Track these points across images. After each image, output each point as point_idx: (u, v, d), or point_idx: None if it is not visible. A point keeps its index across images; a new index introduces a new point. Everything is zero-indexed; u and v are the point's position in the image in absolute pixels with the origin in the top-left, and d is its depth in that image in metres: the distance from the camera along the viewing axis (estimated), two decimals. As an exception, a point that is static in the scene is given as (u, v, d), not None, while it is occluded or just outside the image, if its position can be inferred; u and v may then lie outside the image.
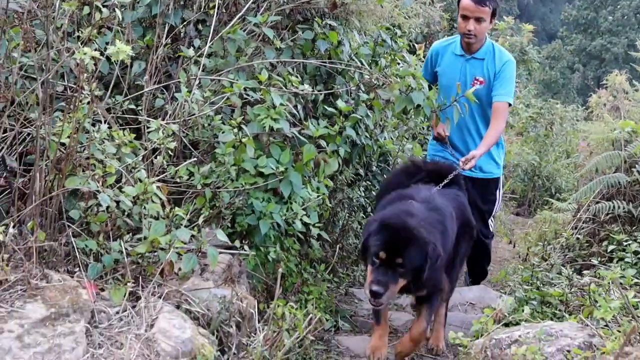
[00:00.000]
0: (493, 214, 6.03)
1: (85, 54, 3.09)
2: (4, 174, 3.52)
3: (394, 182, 5.00)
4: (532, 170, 12.23)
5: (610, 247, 5.42)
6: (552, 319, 4.07)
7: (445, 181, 4.72)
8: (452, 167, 5.04)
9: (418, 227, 3.93)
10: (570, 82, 36.86)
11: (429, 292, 4.25)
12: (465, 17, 5.45)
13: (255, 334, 3.40)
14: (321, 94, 4.97)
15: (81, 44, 3.39)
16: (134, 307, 3.05)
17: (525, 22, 16.21)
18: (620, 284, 3.66)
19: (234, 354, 3.21)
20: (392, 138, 6.65)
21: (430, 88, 5.07)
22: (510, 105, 5.71)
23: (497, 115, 5.46)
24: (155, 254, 3.37)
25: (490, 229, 6.02)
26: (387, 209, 4.36)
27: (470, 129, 5.78)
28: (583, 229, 6.70)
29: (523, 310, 4.07)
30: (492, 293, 5.90)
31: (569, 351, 3.03)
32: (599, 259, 5.25)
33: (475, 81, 5.58)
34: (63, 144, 3.40)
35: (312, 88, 4.99)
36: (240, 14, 4.62)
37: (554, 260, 5.54)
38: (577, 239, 6.46)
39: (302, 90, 4.42)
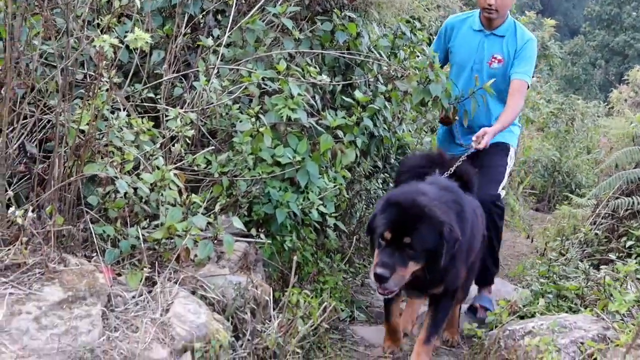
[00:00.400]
0: (502, 183, 5.27)
1: (104, 41, 3.12)
2: (24, 160, 3.57)
3: (414, 164, 4.80)
4: (552, 166, 12.19)
5: (629, 243, 5.41)
6: (567, 313, 4.06)
7: (458, 163, 4.52)
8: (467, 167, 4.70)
9: (430, 205, 3.57)
10: (593, 78, 36.56)
11: (446, 290, 3.89)
12: None
13: (270, 321, 3.43)
14: (339, 84, 4.98)
15: (101, 32, 3.42)
16: (150, 292, 3.09)
17: (548, 17, 16.04)
18: (638, 278, 3.65)
19: (249, 340, 3.24)
20: (410, 130, 6.66)
21: (441, 66, 5.00)
22: (528, 86, 5.28)
23: (514, 94, 5.06)
24: (172, 240, 3.41)
25: (501, 195, 5.28)
26: (396, 189, 4.19)
27: (482, 110, 5.22)
28: (602, 224, 6.69)
29: (538, 303, 4.08)
30: (508, 286, 5.90)
31: (582, 343, 3.04)
32: (618, 254, 5.23)
33: (493, 59, 5.20)
34: (82, 131, 3.43)
35: (331, 79, 5.01)
36: (259, 4, 4.64)
37: (572, 255, 5.51)
38: (596, 234, 6.46)
39: (320, 81, 4.43)
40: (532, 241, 8.70)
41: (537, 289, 4.53)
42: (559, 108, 13.00)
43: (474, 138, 4.78)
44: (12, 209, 2.98)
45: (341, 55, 5.03)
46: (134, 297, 3.04)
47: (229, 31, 4.40)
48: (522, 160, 11.71)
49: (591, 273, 4.55)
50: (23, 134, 3.53)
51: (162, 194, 3.51)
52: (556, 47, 12.54)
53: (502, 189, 5.25)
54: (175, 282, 3.20)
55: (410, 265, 3.49)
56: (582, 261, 5.36)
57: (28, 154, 3.56)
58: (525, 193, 11.80)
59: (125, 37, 3.45)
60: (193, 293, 3.24)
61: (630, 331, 3.01)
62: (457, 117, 5.20)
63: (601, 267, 4.97)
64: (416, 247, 3.47)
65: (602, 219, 6.72)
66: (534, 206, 12.15)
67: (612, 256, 5.04)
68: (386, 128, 5.55)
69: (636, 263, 3.95)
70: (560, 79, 24.34)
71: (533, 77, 10.69)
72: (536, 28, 12.33)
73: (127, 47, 3.72)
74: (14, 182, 3.52)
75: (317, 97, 4.62)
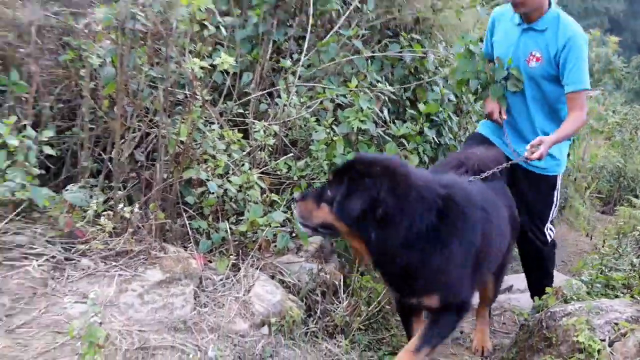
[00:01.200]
0: (550, 219, 4.44)
1: (194, 64, 3.34)
2: (135, 168, 3.82)
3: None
4: (617, 172, 11.86)
5: (683, 240, 5.28)
6: (611, 299, 4.04)
7: (493, 170, 3.61)
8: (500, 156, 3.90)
9: (381, 166, 2.82)
10: (660, 90, 34.89)
11: (444, 304, 3.06)
12: None
13: (340, 302, 3.56)
14: (406, 98, 5.09)
15: (195, 57, 3.64)
16: (234, 275, 3.27)
17: (615, 34, 15.62)
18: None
19: (319, 317, 3.38)
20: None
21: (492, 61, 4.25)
22: (587, 89, 4.05)
23: (573, 106, 3.98)
24: (255, 233, 3.59)
25: (548, 237, 4.44)
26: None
27: (522, 116, 4.23)
28: (659, 223, 6.53)
29: (588, 293, 4.07)
30: (561, 277, 5.82)
31: (616, 323, 3.04)
32: (672, 251, 5.12)
33: (531, 57, 4.05)
34: (181, 142, 3.65)
35: (401, 95, 5.14)
36: (333, 30, 4.81)
37: (623, 250, 5.42)
38: (652, 233, 6.29)
39: (386, 92, 4.54)
40: (591, 239, 8.52)
41: (587, 279, 4.50)
42: (623, 118, 12.65)
43: (527, 147, 3.84)
44: (120, 205, 3.23)
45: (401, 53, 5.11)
46: (221, 279, 3.23)
47: (307, 54, 4.58)
48: (589, 167, 11.47)
49: (637, 265, 4.48)
50: (133, 145, 3.78)
51: (247, 194, 3.70)
52: (619, 62, 12.21)
53: (551, 222, 4.46)
54: (257, 268, 3.38)
55: (322, 207, 2.88)
56: (632, 255, 5.27)
57: (137, 162, 3.81)
58: (592, 197, 11.52)
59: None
60: (272, 277, 3.41)
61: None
62: (504, 117, 4.22)
63: (653, 261, 4.89)
64: (331, 190, 2.87)
65: (658, 217, 6.57)
66: (600, 209, 11.81)
67: (665, 252, 4.92)
68: (452, 137, 5.59)
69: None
70: (628, 91, 23.48)
71: (596, 90, 10.39)
72: (599, 45, 12.04)
73: (222, 71, 3.94)
74: (128, 185, 3.77)
75: (385, 109, 4.72)
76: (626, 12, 43.28)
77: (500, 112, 4.21)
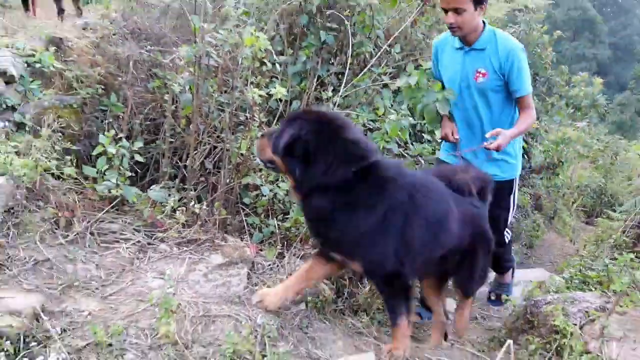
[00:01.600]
0: (508, 222, 4.07)
1: (255, 93, 3.43)
2: (204, 174, 3.92)
3: None
4: (599, 190, 11.72)
5: (650, 246, 5.21)
6: (586, 293, 4.01)
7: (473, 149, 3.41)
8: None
9: (316, 117, 2.54)
10: (637, 123, 34.07)
11: (368, 270, 2.71)
12: (445, 10, 3.60)
13: (363, 287, 3.60)
14: (424, 124, 5.11)
15: (255, 87, 3.74)
16: (280, 262, 3.32)
17: (602, 77, 15.32)
18: (632, 267, 3.65)
19: (346, 298, 3.41)
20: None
21: (444, 87, 3.82)
22: (530, 93, 3.76)
23: (524, 107, 3.71)
24: (298, 229, 3.65)
25: (505, 239, 4.12)
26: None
27: (475, 124, 3.80)
28: (630, 232, 6.44)
29: (567, 287, 4.04)
30: (547, 274, 5.77)
31: (587, 311, 3.03)
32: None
33: (478, 74, 3.70)
34: (241, 154, 3.75)
35: (419, 121, 5.15)
36: (367, 68, 4.86)
37: (599, 254, 5.36)
38: (624, 240, 6.21)
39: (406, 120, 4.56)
40: (574, 244, 8.42)
41: (567, 276, 4.46)
42: (606, 146, 12.51)
43: (487, 135, 3.48)
44: (192, 203, 3.32)
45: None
46: (269, 264, 3.28)
47: (344, 87, 4.64)
48: (576, 185, 11.38)
49: (609, 266, 4.44)
50: (203, 155, 3.88)
51: (292, 197, 3.77)
52: (602, 99, 12.00)
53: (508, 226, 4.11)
54: (298, 257, 3.41)
55: (269, 143, 2.60)
56: (606, 258, 5.22)
57: (206, 170, 3.91)
58: (577, 210, 11.38)
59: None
60: (310, 264, 3.46)
61: (624, 304, 3.01)
62: (456, 137, 3.84)
63: (625, 263, 4.83)
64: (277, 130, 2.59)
65: (630, 228, 6.48)
66: (585, 220, 11.66)
67: (634, 256, 4.87)
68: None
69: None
70: (611, 124, 23.04)
71: (583, 122, 10.22)
72: (587, 85, 11.83)
73: (276, 99, 4.01)
74: (198, 187, 3.87)
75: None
76: (611, 58, 42.44)
77: (452, 134, 3.85)
